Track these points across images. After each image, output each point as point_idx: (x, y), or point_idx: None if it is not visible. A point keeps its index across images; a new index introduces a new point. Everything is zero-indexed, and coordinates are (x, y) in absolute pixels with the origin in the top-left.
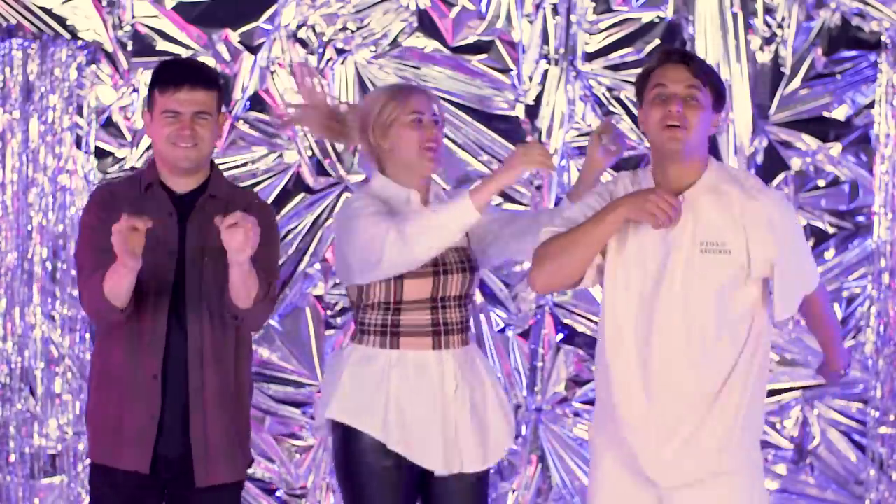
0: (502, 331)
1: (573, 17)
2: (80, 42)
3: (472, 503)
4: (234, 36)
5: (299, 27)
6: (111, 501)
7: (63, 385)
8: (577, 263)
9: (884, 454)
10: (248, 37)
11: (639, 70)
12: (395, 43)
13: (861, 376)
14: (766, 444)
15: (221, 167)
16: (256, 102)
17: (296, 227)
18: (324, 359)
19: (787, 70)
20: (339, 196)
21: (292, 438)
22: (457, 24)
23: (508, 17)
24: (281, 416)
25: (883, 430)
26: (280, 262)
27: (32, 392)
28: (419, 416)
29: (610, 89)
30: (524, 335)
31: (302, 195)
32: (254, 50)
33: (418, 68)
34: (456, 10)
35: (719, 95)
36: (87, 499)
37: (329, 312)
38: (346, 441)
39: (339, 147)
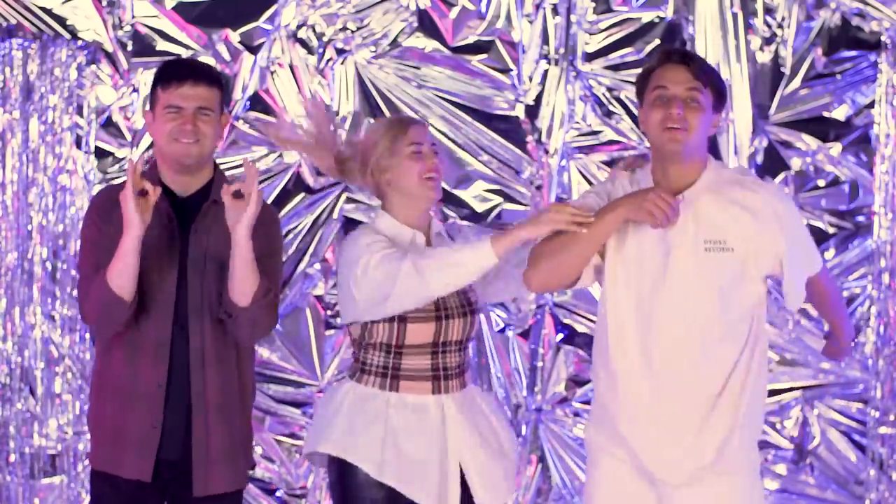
0: (502, 331)
1: (573, 17)
2: (80, 42)
3: None
4: (234, 36)
5: (299, 27)
6: (112, 503)
7: (63, 385)
8: (574, 263)
9: (884, 454)
10: (248, 37)
11: (639, 70)
12: (395, 43)
13: (861, 376)
14: (766, 444)
15: (221, 167)
16: (256, 102)
17: (296, 227)
18: (324, 359)
19: (787, 70)
20: (338, 196)
21: (292, 438)
22: (457, 24)
23: (508, 17)
24: (281, 416)
25: (883, 430)
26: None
27: (32, 392)
28: (416, 453)
29: (610, 89)
30: (524, 335)
31: (302, 195)
32: (254, 50)
33: (418, 68)
34: (456, 10)
35: (720, 96)
36: (87, 499)
37: (329, 312)
38: (343, 475)
39: None
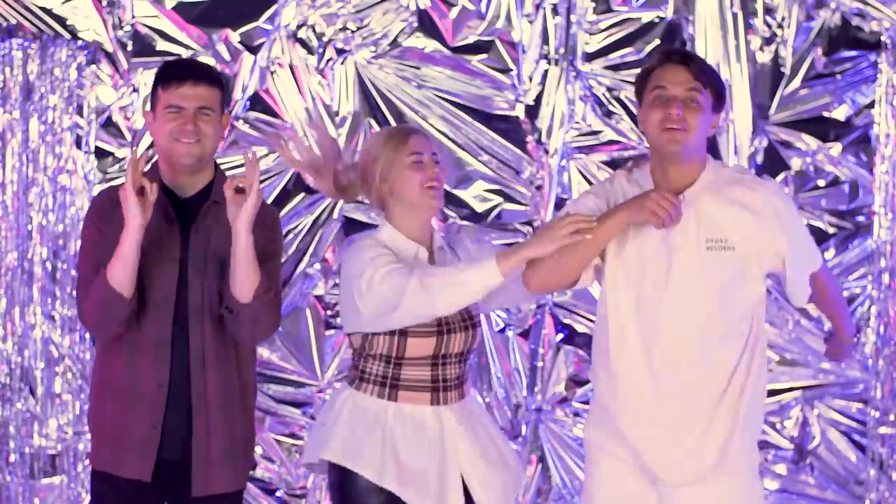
0: (502, 331)
1: (573, 17)
2: (80, 42)
3: None
4: (234, 36)
5: (299, 27)
6: (112, 503)
7: (63, 385)
8: (575, 265)
9: (884, 454)
10: (248, 37)
11: (639, 70)
12: (395, 43)
13: (861, 376)
14: (766, 444)
15: (221, 167)
16: (256, 102)
17: (296, 227)
18: (324, 359)
19: (787, 70)
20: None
21: (292, 438)
22: (457, 24)
23: (508, 17)
24: (281, 416)
25: (883, 430)
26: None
27: (32, 392)
28: (415, 462)
29: (610, 89)
30: (524, 335)
31: (302, 195)
32: (254, 50)
33: (418, 68)
34: (456, 10)
35: (719, 96)
36: (87, 499)
37: (329, 312)
38: (342, 483)
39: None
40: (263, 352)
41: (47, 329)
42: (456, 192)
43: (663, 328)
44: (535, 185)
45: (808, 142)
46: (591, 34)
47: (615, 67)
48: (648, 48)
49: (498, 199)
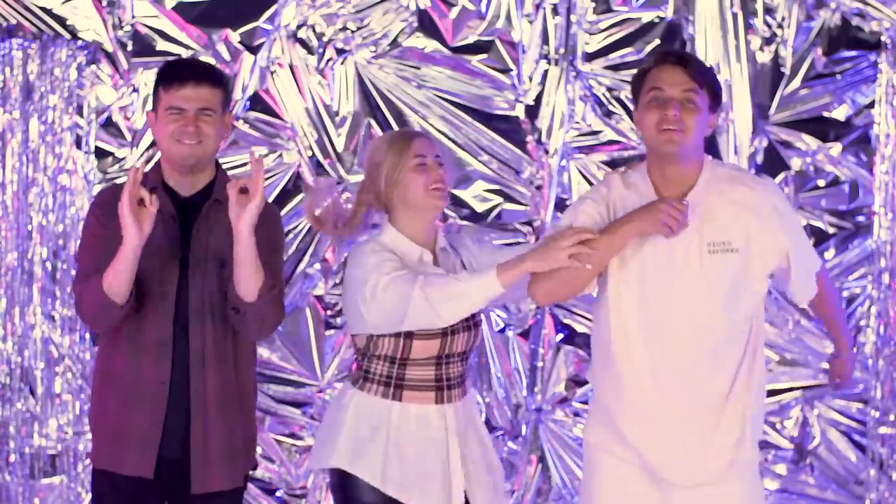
0: (502, 331)
1: (573, 17)
2: (80, 42)
3: None
4: (234, 36)
5: (299, 27)
6: (112, 502)
7: (63, 385)
8: (583, 278)
9: (884, 454)
10: (248, 37)
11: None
12: (395, 43)
13: (861, 376)
14: (766, 444)
15: (223, 167)
16: (256, 102)
17: (296, 227)
18: (324, 359)
19: (787, 70)
20: (339, 196)
21: (292, 438)
22: (457, 24)
23: (508, 17)
24: (281, 416)
25: (883, 430)
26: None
27: (32, 392)
28: (420, 464)
29: (610, 89)
30: (524, 335)
31: (302, 195)
32: (254, 50)
33: (418, 68)
34: (456, 10)
35: (716, 96)
36: (87, 499)
37: (329, 312)
38: (343, 486)
39: (339, 148)
40: (263, 352)
41: (47, 329)
42: (456, 192)
43: (668, 331)
44: (535, 185)
45: (808, 142)
46: (591, 34)
47: (615, 67)
48: (648, 48)
49: (498, 199)
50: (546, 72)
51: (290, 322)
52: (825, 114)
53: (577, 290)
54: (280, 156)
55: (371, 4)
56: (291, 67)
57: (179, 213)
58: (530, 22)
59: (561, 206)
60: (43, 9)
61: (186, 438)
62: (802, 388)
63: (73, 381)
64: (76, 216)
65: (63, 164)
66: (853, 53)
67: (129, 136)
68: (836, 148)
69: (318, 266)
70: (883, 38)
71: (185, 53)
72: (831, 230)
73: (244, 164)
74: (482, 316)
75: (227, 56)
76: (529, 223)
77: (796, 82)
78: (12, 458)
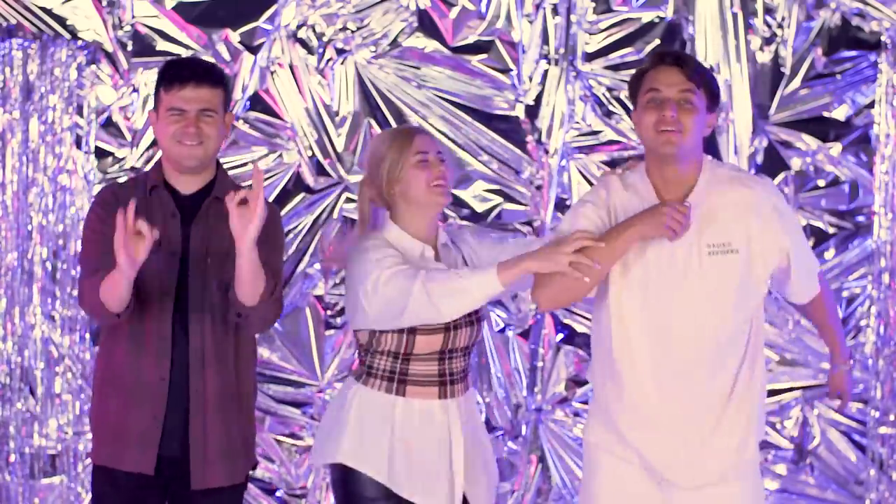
0: (502, 331)
1: (573, 17)
2: (80, 42)
3: None
4: (234, 36)
5: (299, 27)
6: (113, 501)
7: (63, 385)
8: (585, 284)
9: (884, 454)
10: (248, 37)
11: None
12: (395, 43)
13: (861, 376)
14: (766, 444)
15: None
16: (256, 102)
17: (296, 227)
18: (324, 359)
19: (787, 70)
20: (339, 196)
21: (292, 438)
22: (457, 24)
23: (508, 17)
24: (281, 416)
25: (883, 430)
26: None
27: (32, 392)
28: (424, 459)
29: (610, 89)
30: (524, 335)
31: (302, 195)
32: (254, 50)
33: (418, 68)
34: (456, 10)
35: (713, 96)
36: (87, 498)
37: (329, 312)
38: (346, 482)
39: (340, 148)
40: (263, 352)
41: (47, 329)
42: (456, 192)
43: (669, 333)
44: (535, 185)
45: (808, 142)
46: (591, 34)
47: (615, 67)
48: (648, 48)
49: (498, 199)
50: (546, 72)
51: (290, 322)
52: (825, 114)
53: (579, 297)
54: (280, 156)
55: (371, 4)
56: (291, 67)
57: (180, 210)
58: (530, 22)
59: (561, 206)
60: (43, 9)
61: (186, 437)
62: (802, 388)
63: (73, 381)
64: (76, 216)
65: (63, 164)
66: (853, 53)
67: (129, 136)
68: (836, 148)
69: (318, 266)
70: (883, 38)
71: (185, 53)
72: (831, 230)
73: (244, 164)
74: (486, 311)
75: (227, 56)
76: (529, 223)
77: (796, 82)
78: (12, 458)
